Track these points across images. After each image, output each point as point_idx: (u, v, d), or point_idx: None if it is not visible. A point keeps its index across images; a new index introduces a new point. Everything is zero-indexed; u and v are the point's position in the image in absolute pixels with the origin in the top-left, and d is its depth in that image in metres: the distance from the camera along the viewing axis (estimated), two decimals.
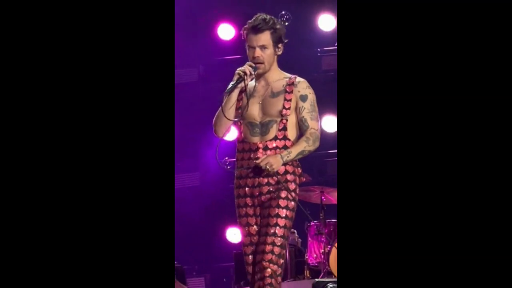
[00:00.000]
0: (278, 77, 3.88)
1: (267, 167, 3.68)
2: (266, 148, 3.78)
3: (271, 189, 3.77)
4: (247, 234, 3.81)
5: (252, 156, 3.80)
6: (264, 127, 3.82)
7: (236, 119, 3.84)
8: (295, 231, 7.02)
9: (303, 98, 3.82)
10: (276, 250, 3.70)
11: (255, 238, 3.78)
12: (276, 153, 3.74)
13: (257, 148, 3.80)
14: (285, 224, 3.73)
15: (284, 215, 3.73)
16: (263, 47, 3.81)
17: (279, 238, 3.71)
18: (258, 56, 3.80)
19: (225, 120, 3.83)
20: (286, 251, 3.86)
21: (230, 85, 3.80)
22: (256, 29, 3.80)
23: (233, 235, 8.16)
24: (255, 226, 3.80)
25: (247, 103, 3.82)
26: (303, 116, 3.80)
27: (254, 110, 3.83)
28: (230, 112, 3.83)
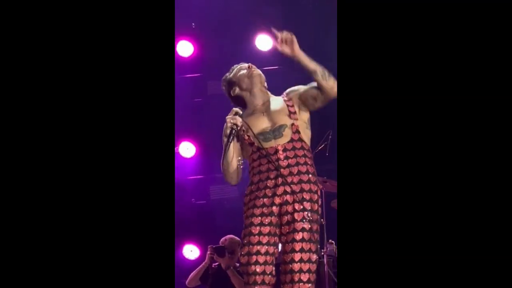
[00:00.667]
0: (269, 95, 3.97)
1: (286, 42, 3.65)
2: (285, 150, 3.74)
3: (295, 198, 3.68)
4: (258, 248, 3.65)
5: (272, 158, 3.73)
6: (277, 131, 3.79)
7: (240, 163, 3.83)
8: (333, 241, 6.90)
9: (297, 88, 3.89)
10: (305, 267, 3.61)
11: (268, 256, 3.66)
12: (295, 154, 3.73)
13: (277, 150, 3.75)
14: (310, 238, 3.64)
15: (309, 229, 3.64)
16: (251, 64, 4.03)
17: (307, 254, 3.62)
18: (252, 67, 3.98)
19: (232, 169, 3.80)
20: (318, 264, 3.75)
21: (225, 141, 3.78)
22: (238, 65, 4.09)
23: (190, 251, 7.99)
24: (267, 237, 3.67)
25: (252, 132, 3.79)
26: (307, 88, 3.84)
27: (262, 123, 3.82)
28: (234, 161, 3.80)
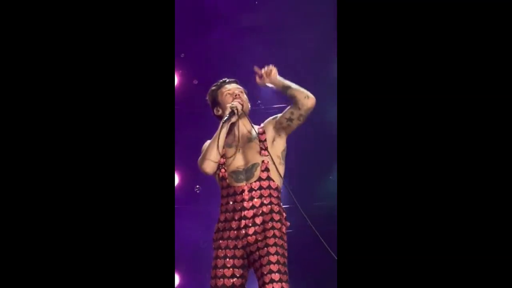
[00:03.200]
0: (249, 126, 3.92)
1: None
2: (251, 190, 3.76)
3: (257, 230, 3.70)
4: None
5: (237, 199, 3.77)
6: (249, 172, 3.81)
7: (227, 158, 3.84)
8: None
9: (273, 117, 3.91)
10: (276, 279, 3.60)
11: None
12: (261, 195, 3.75)
13: (242, 191, 3.77)
14: (278, 260, 3.64)
15: (276, 261, 3.64)
16: (240, 91, 3.96)
17: (277, 274, 3.61)
18: (238, 95, 3.92)
19: (215, 155, 3.81)
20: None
21: (223, 119, 3.83)
22: (227, 82, 4.01)
23: None
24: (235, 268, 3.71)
25: (235, 152, 3.85)
26: (282, 114, 3.86)
27: (237, 161, 3.84)
28: (220, 148, 3.83)
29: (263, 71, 3.80)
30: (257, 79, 3.84)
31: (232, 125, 3.89)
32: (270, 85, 3.83)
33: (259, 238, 3.69)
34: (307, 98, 3.74)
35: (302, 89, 3.77)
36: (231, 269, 3.70)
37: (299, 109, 3.77)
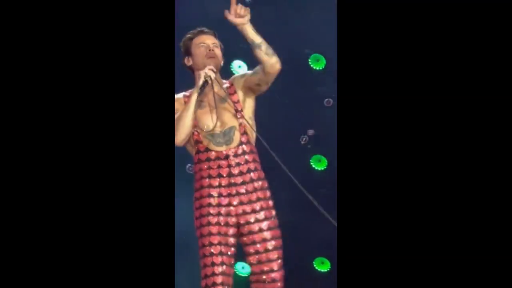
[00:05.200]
0: (220, 84, 3.73)
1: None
2: (236, 155, 3.66)
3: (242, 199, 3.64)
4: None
5: (221, 164, 3.64)
6: (227, 136, 3.69)
7: (210, 130, 3.69)
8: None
9: (242, 74, 3.80)
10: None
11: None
12: (246, 160, 3.66)
13: (227, 156, 3.65)
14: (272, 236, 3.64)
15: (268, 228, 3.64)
16: (215, 45, 3.75)
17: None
18: (213, 50, 3.72)
19: (188, 125, 3.63)
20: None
21: (196, 89, 3.65)
22: (204, 32, 3.77)
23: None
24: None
25: (210, 113, 3.70)
26: (251, 73, 3.74)
27: (210, 121, 3.70)
28: (193, 117, 3.64)
29: (235, 7, 3.52)
30: (226, 13, 3.54)
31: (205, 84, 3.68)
32: (239, 28, 3.56)
33: (247, 210, 3.64)
34: (274, 66, 3.58)
35: (270, 54, 3.56)
36: (218, 246, 3.61)
37: (265, 75, 3.62)
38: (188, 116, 3.62)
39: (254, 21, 3.57)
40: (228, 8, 3.53)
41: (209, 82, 3.64)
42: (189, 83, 3.77)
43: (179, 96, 3.77)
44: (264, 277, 3.63)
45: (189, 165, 4.91)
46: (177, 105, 3.72)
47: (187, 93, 3.75)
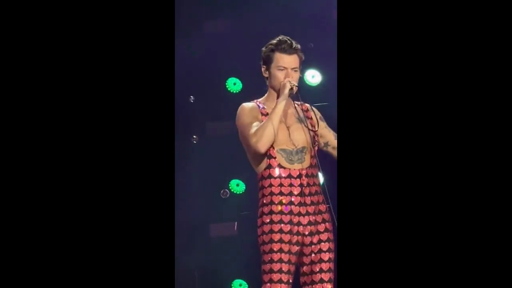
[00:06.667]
0: (295, 106, 3.75)
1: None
2: (307, 176, 3.61)
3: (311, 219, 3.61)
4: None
5: (293, 182, 3.59)
6: (300, 155, 3.63)
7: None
8: None
9: (322, 119, 3.76)
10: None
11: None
12: (314, 183, 3.62)
13: (300, 175, 3.60)
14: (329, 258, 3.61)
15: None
16: (294, 70, 3.68)
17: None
18: (292, 76, 3.66)
19: (274, 134, 3.56)
20: None
21: (283, 97, 3.60)
22: (287, 51, 3.67)
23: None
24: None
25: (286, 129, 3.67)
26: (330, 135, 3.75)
27: (284, 138, 3.64)
28: (278, 127, 3.60)
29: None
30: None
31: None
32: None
33: (313, 231, 3.61)
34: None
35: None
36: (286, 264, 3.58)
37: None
38: (275, 124, 3.57)
39: None
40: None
41: (294, 90, 3.61)
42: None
43: (250, 104, 3.72)
44: None
45: (195, 136, 4.95)
46: (254, 113, 3.67)
47: (260, 102, 3.73)
